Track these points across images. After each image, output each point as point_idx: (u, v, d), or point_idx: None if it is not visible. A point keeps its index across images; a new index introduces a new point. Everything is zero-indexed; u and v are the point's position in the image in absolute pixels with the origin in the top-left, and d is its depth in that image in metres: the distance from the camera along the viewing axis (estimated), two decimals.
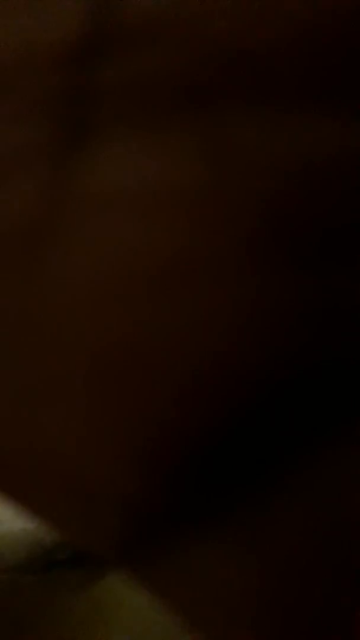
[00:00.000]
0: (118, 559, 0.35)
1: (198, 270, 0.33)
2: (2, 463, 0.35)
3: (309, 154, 0.33)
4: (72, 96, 0.33)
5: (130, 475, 0.34)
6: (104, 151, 0.33)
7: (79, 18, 0.33)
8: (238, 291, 0.33)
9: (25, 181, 0.34)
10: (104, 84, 0.33)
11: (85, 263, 0.33)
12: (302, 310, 0.33)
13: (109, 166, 0.33)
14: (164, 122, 0.33)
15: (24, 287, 0.34)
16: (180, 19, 0.33)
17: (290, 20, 0.32)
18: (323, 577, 0.32)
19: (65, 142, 0.34)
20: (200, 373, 0.33)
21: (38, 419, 0.34)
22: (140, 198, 0.33)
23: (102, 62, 0.33)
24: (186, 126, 0.33)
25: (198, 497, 0.34)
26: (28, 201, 0.34)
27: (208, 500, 0.33)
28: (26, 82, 0.34)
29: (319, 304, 0.33)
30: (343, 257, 0.33)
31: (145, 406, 0.33)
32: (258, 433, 0.33)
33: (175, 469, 0.33)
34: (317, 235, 0.33)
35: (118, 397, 0.33)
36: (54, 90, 0.33)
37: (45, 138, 0.34)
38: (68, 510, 0.35)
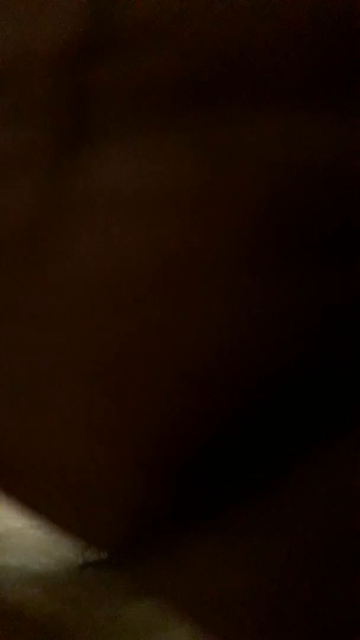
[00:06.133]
0: (120, 559, 0.36)
1: (200, 269, 0.33)
2: (5, 464, 0.35)
3: (310, 153, 0.33)
4: (71, 96, 0.33)
5: (132, 476, 0.34)
6: (103, 151, 0.33)
7: (78, 19, 0.33)
8: (240, 289, 0.33)
9: (24, 181, 0.34)
10: (103, 85, 0.33)
11: (86, 263, 0.33)
12: (303, 306, 0.33)
13: (109, 166, 0.33)
14: (164, 122, 0.33)
15: (24, 287, 0.34)
16: (180, 20, 0.33)
17: (291, 20, 0.32)
18: (324, 576, 0.32)
19: (64, 142, 0.34)
20: (202, 373, 0.33)
21: (40, 421, 0.34)
22: (141, 198, 0.33)
23: (102, 62, 0.33)
24: (186, 126, 0.33)
25: (199, 498, 0.34)
26: (28, 201, 0.34)
27: (208, 501, 0.33)
28: (25, 82, 0.34)
29: (320, 300, 0.33)
30: (343, 255, 0.33)
31: (147, 407, 0.33)
32: (259, 434, 0.33)
33: (177, 470, 0.33)
34: (317, 233, 0.33)
35: (120, 399, 0.33)
36: (53, 90, 0.33)
37: (45, 138, 0.34)
38: (70, 511, 0.35)
